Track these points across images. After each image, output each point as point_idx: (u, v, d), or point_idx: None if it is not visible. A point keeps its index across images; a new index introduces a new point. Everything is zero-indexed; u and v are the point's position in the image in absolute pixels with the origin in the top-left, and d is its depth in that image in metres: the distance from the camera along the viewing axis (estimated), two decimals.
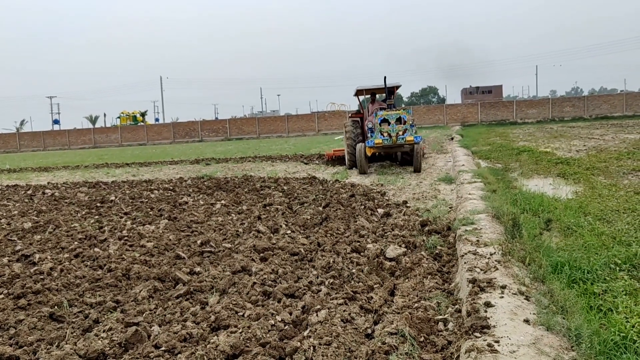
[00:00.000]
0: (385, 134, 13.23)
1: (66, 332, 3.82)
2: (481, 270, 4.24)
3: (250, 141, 42.88)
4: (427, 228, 6.52)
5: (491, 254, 4.63)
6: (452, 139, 26.29)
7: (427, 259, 5.24)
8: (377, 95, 16.55)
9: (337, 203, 8.90)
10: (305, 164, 18.18)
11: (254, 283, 4.63)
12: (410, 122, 13.44)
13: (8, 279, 5.42)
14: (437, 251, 5.50)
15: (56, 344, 3.60)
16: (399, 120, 13.39)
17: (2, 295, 4.92)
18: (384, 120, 13.38)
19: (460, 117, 51.05)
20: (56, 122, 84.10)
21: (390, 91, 14.80)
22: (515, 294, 3.65)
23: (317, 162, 18.57)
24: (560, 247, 5.12)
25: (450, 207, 8.06)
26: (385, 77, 14.57)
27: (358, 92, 16.20)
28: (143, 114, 71.51)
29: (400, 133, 13.21)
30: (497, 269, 4.21)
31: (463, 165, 12.96)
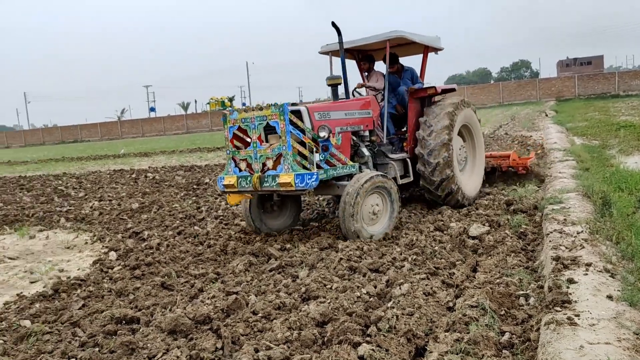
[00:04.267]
0: (243, 165, 5.84)
1: (176, 299, 4.32)
2: (566, 248, 4.24)
3: None
4: (512, 207, 6.48)
5: (578, 233, 4.59)
6: (546, 115, 25.08)
7: (511, 237, 5.26)
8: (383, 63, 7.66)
9: None
10: None
11: (341, 259, 4.91)
12: (313, 133, 5.66)
13: (124, 253, 6.11)
14: (521, 230, 5.49)
15: (169, 308, 4.09)
16: (271, 131, 5.76)
17: (120, 267, 5.58)
18: (240, 133, 5.93)
19: (555, 92, 48.36)
20: (152, 109, 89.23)
21: (394, 58, 7.47)
22: (600, 271, 3.65)
23: None
24: None
25: (537, 186, 7.89)
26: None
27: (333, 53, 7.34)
28: (231, 99, 73.86)
29: (270, 165, 5.62)
30: (583, 247, 4.19)
31: (555, 142, 12.46)
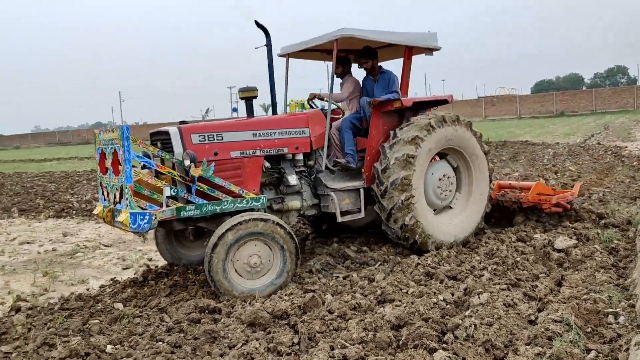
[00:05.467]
0: (106, 193, 4.90)
1: (255, 294, 4.47)
2: None
3: None
4: (603, 221, 6.13)
5: None
6: None
7: (601, 252, 4.98)
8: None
9: None
10: None
11: (418, 264, 4.88)
12: (179, 161, 4.61)
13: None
14: (612, 245, 5.19)
15: (249, 301, 4.25)
16: (116, 161, 4.55)
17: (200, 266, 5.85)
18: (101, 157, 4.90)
19: None
20: (235, 110, 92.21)
21: (366, 52, 5.97)
22: None
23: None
24: None
25: (632, 200, 7.41)
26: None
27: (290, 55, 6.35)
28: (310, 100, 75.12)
29: (117, 199, 4.59)
30: None
31: None
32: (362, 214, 5.49)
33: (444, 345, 3.16)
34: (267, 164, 5.26)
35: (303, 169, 5.51)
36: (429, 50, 6.11)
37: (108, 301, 4.70)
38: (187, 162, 4.52)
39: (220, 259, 4.36)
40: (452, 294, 4.05)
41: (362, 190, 5.51)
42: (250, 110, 5.48)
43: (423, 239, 5.33)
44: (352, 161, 5.59)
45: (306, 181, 5.48)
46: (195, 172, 4.56)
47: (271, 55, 5.60)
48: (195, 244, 5.70)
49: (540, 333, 3.19)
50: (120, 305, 4.53)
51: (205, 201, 4.63)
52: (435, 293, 4.08)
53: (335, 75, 5.84)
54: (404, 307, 3.77)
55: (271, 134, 5.23)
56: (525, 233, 5.84)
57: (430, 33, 5.99)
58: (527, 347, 3.05)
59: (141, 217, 4.27)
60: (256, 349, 3.31)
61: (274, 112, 5.72)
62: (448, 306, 3.83)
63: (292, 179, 5.29)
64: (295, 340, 3.44)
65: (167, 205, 4.46)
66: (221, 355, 3.33)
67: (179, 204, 4.53)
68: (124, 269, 6.00)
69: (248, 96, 5.34)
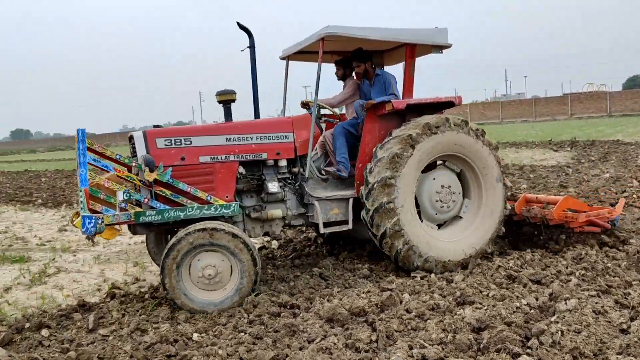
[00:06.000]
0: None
1: (333, 290, 4.54)
2: None
3: (492, 126, 41.36)
4: None
5: None
6: None
7: None
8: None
9: None
10: (555, 151, 16.93)
11: (499, 266, 4.74)
12: (138, 165, 4.57)
13: (284, 243, 6.57)
14: None
15: (327, 297, 4.32)
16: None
17: (282, 256, 6.02)
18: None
19: None
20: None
21: (357, 55, 5.65)
22: None
23: (567, 148, 17.13)
24: None
25: None
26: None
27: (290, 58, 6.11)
28: None
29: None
30: None
31: None
32: (350, 226, 5.07)
33: (528, 351, 3.06)
34: (242, 170, 5.02)
35: (287, 176, 5.18)
36: (437, 48, 5.44)
37: None
38: (144, 166, 4.44)
39: (173, 271, 4.22)
40: (537, 299, 3.90)
41: (351, 200, 5.11)
42: (228, 114, 5.18)
43: (406, 251, 4.81)
44: (343, 169, 5.21)
45: (291, 189, 5.16)
46: (150, 176, 4.47)
47: (254, 57, 5.25)
48: None
49: (634, 342, 3.02)
50: None
51: (166, 207, 4.51)
52: (518, 297, 3.95)
53: (337, 78, 5.80)
54: (485, 309, 3.69)
55: (248, 139, 4.98)
56: (616, 238, 5.51)
57: (438, 29, 5.39)
58: (618, 356, 2.89)
59: (89, 221, 4.17)
60: (334, 344, 3.37)
61: (257, 115, 5.38)
62: (532, 311, 3.69)
63: (273, 187, 5.01)
64: (373, 338, 3.46)
65: (125, 209, 4.39)
66: (300, 349, 3.41)
67: (139, 209, 4.45)
68: None
69: (226, 99, 5.11)
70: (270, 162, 5.09)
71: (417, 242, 4.83)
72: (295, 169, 5.16)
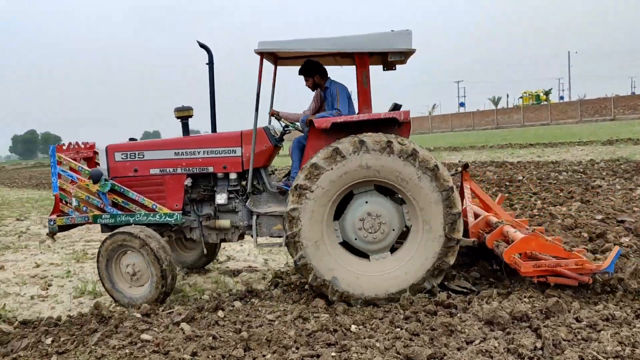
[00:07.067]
0: None
1: (492, 291, 4.36)
2: None
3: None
4: None
5: None
6: None
7: None
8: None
9: None
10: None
11: None
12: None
13: None
14: None
15: (485, 300, 4.18)
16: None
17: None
18: None
19: None
20: (462, 104, 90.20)
21: (303, 69, 5.42)
22: None
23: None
24: None
25: None
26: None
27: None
28: (547, 93, 69.18)
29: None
30: None
31: None
32: (283, 243, 4.77)
33: None
34: (190, 182, 5.28)
35: (238, 188, 5.23)
36: (396, 55, 4.73)
37: None
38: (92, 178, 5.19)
39: (103, 266, 4.95)
40: None
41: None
42: (185, 129, 5.59)
43: (318, 286, 4.54)
44: (290, 184, 4.94)
45: (242, 201, 5.21)
46: (93, 187, 5.21)
47: (212, 74, 5.38)
48: (191, 248, 6.28)
49: None
50: None
51: (119, 212, 5.23)
52: None
53: (310, 89, 5.51)
54: None
55: (195, 153, 5.24)
56: None
57: (396, 32, 4.66)
58: None
59: (49, 222, 5.34)
60: (495, 347, 3.27)
61: (213, 129, 5.45)
62: None
63: (222, 198, 5.20)
64: (538, 345, 3.28)
65: (82, 211, 5.30)
66: (458, 349, 3.36)
67: (97, 212, 5.27)
68: None
69: (183, 115, 5.48)
70: (221, 175, 5.27)
71: (327, 276, 4.51)
72: (244, 182, 5.17)
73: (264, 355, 3.49)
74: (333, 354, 3.39)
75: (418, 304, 4.18)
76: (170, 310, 4.56)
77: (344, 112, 5.07)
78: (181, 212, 5.26)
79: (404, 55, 4.77)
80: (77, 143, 5.91)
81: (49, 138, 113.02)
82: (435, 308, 4.07)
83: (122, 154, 5.39)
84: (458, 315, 3.91)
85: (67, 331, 4.28)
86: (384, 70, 5.33)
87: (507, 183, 11.30)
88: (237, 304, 4.66)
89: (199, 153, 5.26)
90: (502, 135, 35.05)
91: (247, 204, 5.11)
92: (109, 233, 5.00)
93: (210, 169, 5.25)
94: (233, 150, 5.19)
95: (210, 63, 5.39)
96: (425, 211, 4.46)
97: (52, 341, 4.06)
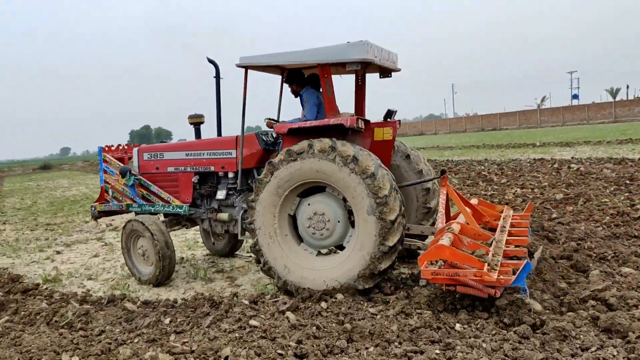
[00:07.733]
0: None
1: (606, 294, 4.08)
2: None
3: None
4: None
5: None
6: None
7: None
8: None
9: None
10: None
11: None
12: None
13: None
14: None
15: (601, 303, 3.92)
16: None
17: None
18: None
19: None
20: (575, 96, 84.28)
21: (286, 77, 6.00)
22: None
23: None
24: None
25: None
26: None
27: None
28: None
29: None
30: None
31: None
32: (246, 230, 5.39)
33: None
34: (197, 179, 6.12)
35: (235, 186, 5.83)
36: (352, 65, 4.88)
37: None
38: (122, 173, 6.40)
39: (124, 246, 6.06)
40: None
41: None
42: (197, 134, 6.42)
43: (267, 270, 5.09)
44: None
45: (238, 197, 5.84)
46: (121, 182, 6.44)
47: (219, 85, 6.07)
48: (218, 239, 6.93)
49: None
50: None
51: (144, 203, 6.33)
52: None
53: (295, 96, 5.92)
54: None
55: (201, 154, 6.07)
56: None
57: (350, 44, 4.81)
58: None
59: (92, 208, 6.76)
60: (613, 356, 3.07)
61: (219, 134, 6.21)
62: None
63: (221, 194, 5.92)
64: None
65: (119, 200, 6.59)
66: (572, 355, 3.19)
67: (129, 202, 6.45)
68: None
69: (196, 122, 6.38)
70: (222, 173, 6.00)
71: (274, 264, 4.99)
72: (239, 180, 5.72)
73: (366, 348, 3.54)
74: (437, 351, 3.36)
75: (523, 308, 4.01)
76: (275, 299, 4.76)
77: (309, 117, 5.54)
78: (190, 204, 6.13)
79: (361, 65, 4.96)
80: (126, 145, 7.26)
81: (161, 133, 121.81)
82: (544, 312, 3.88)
83: (148, 154, 6.46)
84: (572, 320, 3.69)
85: (182, 313, 4.62)
86: (380, 78, 5.70)
87: (628, 182, 10.42)
88: (339, 296, 4.75)
89: (203, 154, 6.08)
90: (621, 130, 32.29)
91: (237, 199, 5.81)
92: (127, 222, 5.99)
93: (213, 168, 6.01)
94: (229, 152, 5.87)
95: (217, 76, 6.10)
96: (359, 216, 4.66)
97: (170, 321, 4.41)
